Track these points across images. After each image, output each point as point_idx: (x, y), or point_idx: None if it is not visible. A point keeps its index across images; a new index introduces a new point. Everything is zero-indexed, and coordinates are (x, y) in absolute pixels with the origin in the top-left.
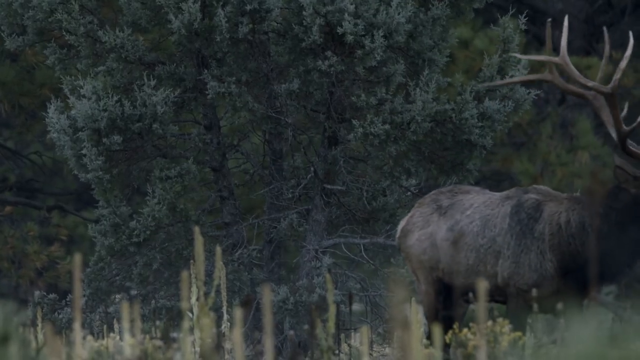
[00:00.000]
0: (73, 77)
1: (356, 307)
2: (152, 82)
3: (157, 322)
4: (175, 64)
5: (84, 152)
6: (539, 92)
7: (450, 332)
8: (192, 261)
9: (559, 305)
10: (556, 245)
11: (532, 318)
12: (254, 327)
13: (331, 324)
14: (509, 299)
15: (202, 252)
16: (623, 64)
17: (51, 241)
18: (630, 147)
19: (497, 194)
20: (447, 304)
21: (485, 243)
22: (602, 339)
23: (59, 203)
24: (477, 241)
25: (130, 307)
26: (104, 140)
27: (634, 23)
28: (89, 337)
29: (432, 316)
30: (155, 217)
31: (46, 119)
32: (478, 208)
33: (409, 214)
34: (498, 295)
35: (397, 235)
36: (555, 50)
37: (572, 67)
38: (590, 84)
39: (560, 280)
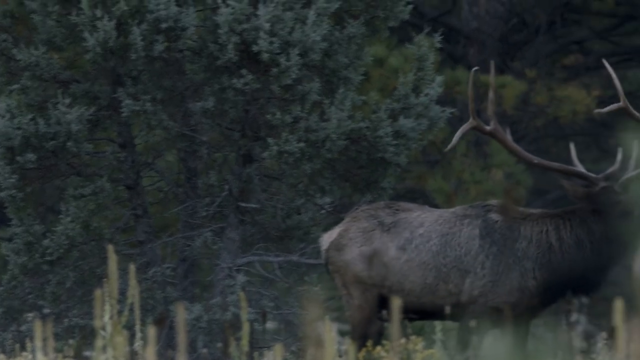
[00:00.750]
0: None
1: (270, 325)
2: (67, 101)
3: (70, 341)
4: (90, 82)
5: None
6: (453, 110)
7: (364, 349)
8: (105, 279)
9: (473, 323)
10: (546, 263)
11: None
12: (167, 345)
13: (245, 342)
14: (466, 316)
15: (116, 270)
16: None
17: None
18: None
19: (447, 212)
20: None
21: (449, 262)
22: (515, 356)
23: None
24: (437, 260)
25: (43, 325)
26: (18, 158)
27: (548, 42)
28: (1, 356)
29: (361, 332)
30: (69, 235)
31: None
32: (432, 226)
33: (341, 228)
34: (456, 313)
35: (326, 248)
36: (469, 68)
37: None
38: None
39: (537, 298)
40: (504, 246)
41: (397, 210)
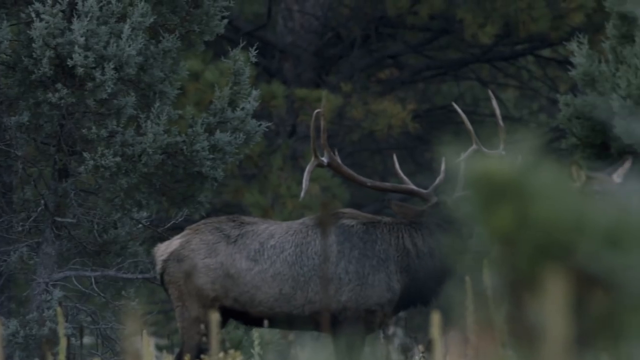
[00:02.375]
0: None
1: (87, 340)
2: None
3: None
4: None
5: None
6: (269, 124)
7: None
8: None
9: (291, 336)
10: (406, 267)
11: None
12: None
13: (62, 357)
14: (343, 324)
15: None
16: None
17: None
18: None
19: (295, 223)
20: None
21: (307, 272)
22: None
23: None
24: (294, 270)
25: None
26: None
27: (362, 56)
28: None
29: (193, 345)
30: None
31: None
32: (284, 237)
33: (182, 239)
34: (313, 321)
35: (164, 258)
36: (285, 83)
37: None
38: None
39: (396, 303)
40: (364, 248)
41: (241, 223)
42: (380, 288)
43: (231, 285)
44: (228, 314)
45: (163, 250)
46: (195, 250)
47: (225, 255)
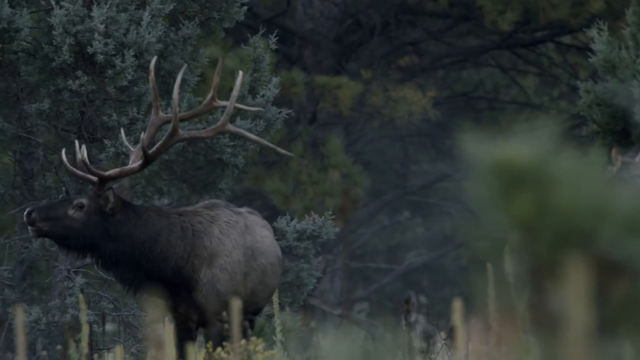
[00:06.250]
0: None
1: (109, 327)
2: None
3: None
4: None
5: None
6: (290, 111)
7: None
8: None
9: (313, 323)
10: None
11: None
12: (6, 348)
13: (84, 344)
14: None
15: None
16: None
17: None
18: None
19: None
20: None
21: None
22: (355, 357)
23: None
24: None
25: None
26: None
27: (382, 43)
28: None
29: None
30: None
31: None
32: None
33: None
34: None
35: None
36: (305, 70)
37: None
38: None
39: None
40: None
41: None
42: None
43: None
44: None
45: None
46: None
47: None
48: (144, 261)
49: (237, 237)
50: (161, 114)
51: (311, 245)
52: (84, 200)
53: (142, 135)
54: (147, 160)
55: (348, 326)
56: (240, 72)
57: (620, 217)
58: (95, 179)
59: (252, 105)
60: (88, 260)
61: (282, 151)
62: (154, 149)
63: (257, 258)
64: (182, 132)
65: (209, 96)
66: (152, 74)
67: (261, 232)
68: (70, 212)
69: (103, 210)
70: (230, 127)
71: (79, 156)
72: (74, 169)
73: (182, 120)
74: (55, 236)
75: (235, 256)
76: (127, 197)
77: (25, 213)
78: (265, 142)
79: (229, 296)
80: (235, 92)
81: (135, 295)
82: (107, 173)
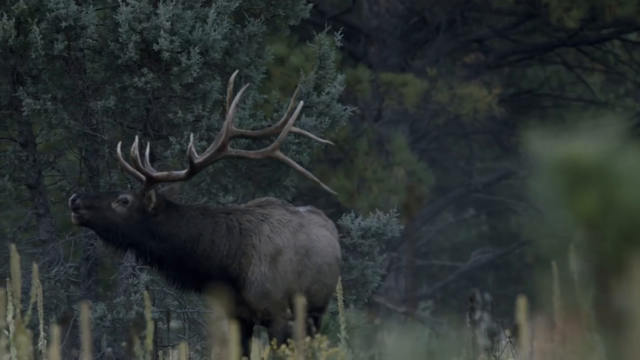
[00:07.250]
0: None
1: (174, 324)
2: None
3: None
4: None
5: None
6: (355, 108)
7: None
8: (8, 279)
9: (377, 320)
10: None
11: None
12: (71, 344)
13: (149, 341)
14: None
15: (19, 270)
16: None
17: None
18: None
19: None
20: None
21: None
22: (419, 355)
23: None
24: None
25: None
26: None
27: (448, 40)
28: None
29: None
30: None
31: None
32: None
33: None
34: None
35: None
36: (371, 67)
37: None
38: None
39: None
40: None
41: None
42: None
43: None
44: None
45: None
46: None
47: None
48: (186, 260)
49: (289, 235)
50: (233, 127)
51: (376, 243)
52: (129, 197)
53: (190, 144)
54: (193, 170)
55: (412, 324)
56: (301, 102)
57: None
58: (143, 177)
59: (316, 103)
60: (129, 255)
61: (326, 187)
62: (200, 160)
63: (311, 257)
64: (230, 150)
65: (281, 120)
66: (230, 87)
67: (318, 232)
68: (114, 205)
69: (145, 209)
70: (279, 154)
71: (136, 152)
72: (126, 164)
73: (245, 137)
74: (95, 226)
75: (286, 255)
76: (176, 201)
77: (70, 198)
78: (310, 175)
79: (279, 295)
80: (292, 120)
81: (183, 292)
82: (155, 174)
